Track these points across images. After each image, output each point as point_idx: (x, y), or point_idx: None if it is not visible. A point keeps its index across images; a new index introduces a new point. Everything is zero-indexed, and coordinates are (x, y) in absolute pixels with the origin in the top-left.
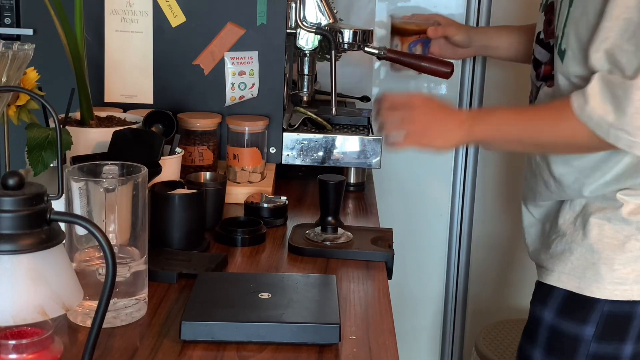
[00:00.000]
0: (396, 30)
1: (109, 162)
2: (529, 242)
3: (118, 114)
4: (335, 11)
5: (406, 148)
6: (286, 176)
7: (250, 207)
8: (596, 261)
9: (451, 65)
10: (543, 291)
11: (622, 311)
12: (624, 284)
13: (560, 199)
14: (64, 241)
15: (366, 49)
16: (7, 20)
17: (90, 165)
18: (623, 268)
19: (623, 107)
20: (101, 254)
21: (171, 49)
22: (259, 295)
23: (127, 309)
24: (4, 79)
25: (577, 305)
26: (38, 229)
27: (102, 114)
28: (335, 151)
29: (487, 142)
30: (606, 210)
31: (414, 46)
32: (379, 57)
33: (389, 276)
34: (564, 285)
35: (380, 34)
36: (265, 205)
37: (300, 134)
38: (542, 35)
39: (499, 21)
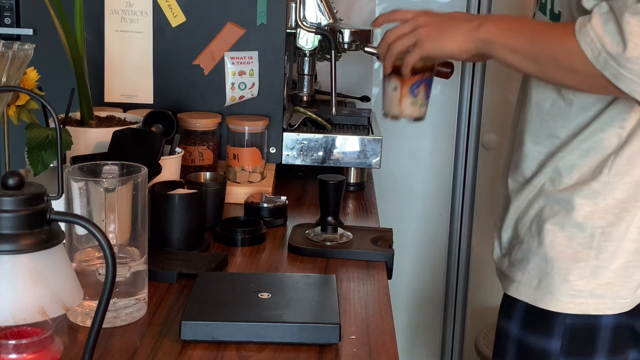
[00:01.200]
0: (394, 70)
1: (109, 162)
2: (495, 249)
3: (118, 113)
4: (335, 11)
5: (413, 58)
6: (286, 176)
7: (250, 207)
8: (550, 271)
9: (451, 65)
10: (507, 303)
11: (586, 324)
12: (578, 297)
13: (523, 185)
14: (64, 241)
15: (366, 49)
16: (7, 20)
17: (90, 165)
18: (578, 280)
19: (623, 37)
20: (101, 254)
21: (171, 49)
22: (259, 295)
23: (127, 309)
24: (4, 79)
25: (539, 318)
26: (38, 229)
27: (102, 113)
28: (335, 151)
29: (493, 45)
30: (559, 214)
31: (417, 88)
32: (379, 57)
33: (389, 276)
34: (522, 297)
35: (381, 33)
36: (265, 205)
37: (300, 134)
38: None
39: None
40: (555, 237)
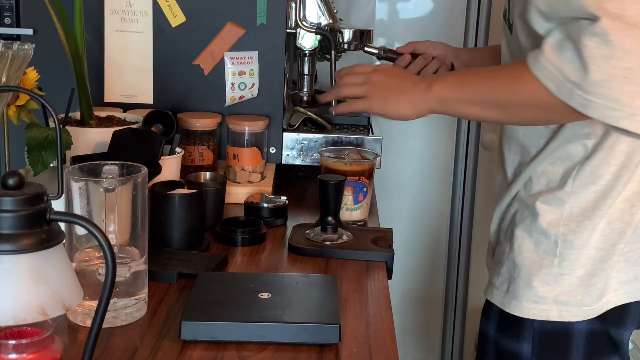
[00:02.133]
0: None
1: (109, 162)
2: (488, 251)
3: (118, 113)
4: (335, 11)
5: (362, 110)
6: (286, 176)
7: (250, 207)
8: (516, 277)
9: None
10: (487, 304)
11: (555, 329)
12: (541, 304)
13: (506, 187)
14: (63, 241)
15: (366, 48)
16: (7, 20)
17: (90, 165)
18: (541, 286)
19: (583, 61)
20: (101, 254)
21: (171, 49)
22: (259, 295)
23: (127, 309)
24: (3, 79)
25: (510, 322)
26: (38, 229)
27: (102, 113)
28: None
29: (448, 102)
30: (527, 220)
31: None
32: (379, 57)
33: (389, 276)
34: (494, 300)
35: (381, 33)
36: (265, 205)
37: (300, 134)
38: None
39: (498, 22)
40: (523, 243)
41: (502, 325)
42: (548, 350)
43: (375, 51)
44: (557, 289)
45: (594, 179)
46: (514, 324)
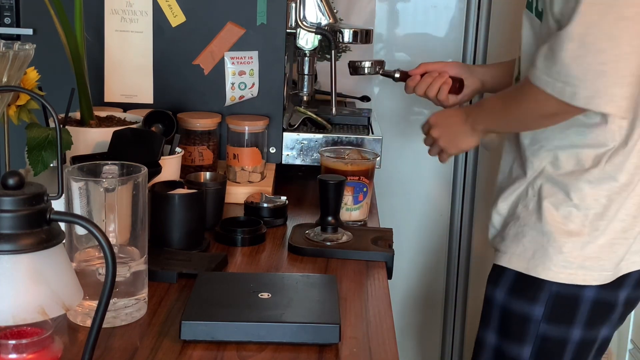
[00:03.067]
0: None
1: (109, 162)
2: (491, 230)
3: (118, 113)
4: (335, 11)
5: (448, 158)
6: (286, 176)
7: (250, 207)
8: (545, 244)
9: (462, 81)
10: (496, 273)
11: (570, 293)
12: (569, 268)
13: (521, 174)
14: (63, 241)
15: (381, 73)
16: (7, 20)
17: (90, 165)
18: (570, 252)
19: (556, 56)
20: (101, 254)
21: (171, 49)
22: (259, 295)
23: (127, 309)
24: (4, 79)
25: (526, 285)
26: (38, 229)
27: (102, 113)
28: None
29: (491, 130)
30: (558, 195)
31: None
32: (395, 80)
33: (389, 276)
34: (514, 266)
35: (381, 33)
36: (265, 205)
37: (300, 134)
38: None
39: (498, 21)
40: (553, 214)
41: (515, 289)
42: (557, 314)
43: (392, 75)
44: (583, 255)
45: (622, 164)
46: (530, 287)
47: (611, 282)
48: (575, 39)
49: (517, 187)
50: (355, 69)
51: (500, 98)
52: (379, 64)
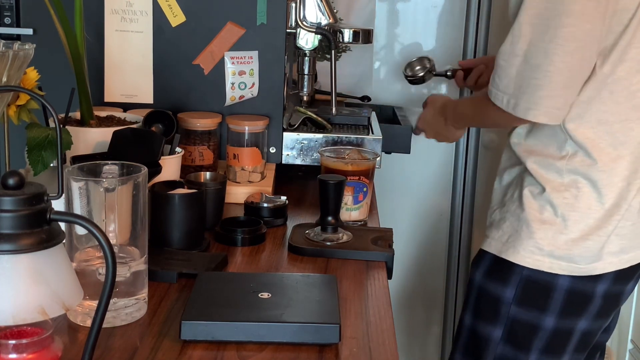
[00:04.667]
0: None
1: (109, 162)
2: (488, 217)
3: (118, 113)
4: (335, 11)
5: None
6: (286, 176)
7: (250, 207)
8: (519, 229)
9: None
10: (478, 256)
11: (541, 280)
12: (537, 254)
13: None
14: (64, 241)
15: (435, 74)
16: (7, 20)
17: (90, 165)
18: (541, 239)
19: (505, 71)
20: (101, 254)
21: (171, 49)
22: (259, 295)
23: (127, 309)
24: (4, 79)
25: (500, 268)
26: (38, 229)
27: (102, 113)
28: None
29: (462, 128)
30: (535, 184)
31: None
32: (448, 77)
33: (389, 276)
34: (491, 250)
35: (381, 33)
36: (265, 205)
37: (300, 134)
38: None
39: (498, 21)
40: (530, 202)
41: (490, 271)
42: (528, 298)
43: (444, 74)
44: (554, 244)
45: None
46: (502, 270)
47: (587, 275)
48: (519, 55)
49: (508, 178)
50: (413, 82)
51: (470, 104)
52: (430, 68)
